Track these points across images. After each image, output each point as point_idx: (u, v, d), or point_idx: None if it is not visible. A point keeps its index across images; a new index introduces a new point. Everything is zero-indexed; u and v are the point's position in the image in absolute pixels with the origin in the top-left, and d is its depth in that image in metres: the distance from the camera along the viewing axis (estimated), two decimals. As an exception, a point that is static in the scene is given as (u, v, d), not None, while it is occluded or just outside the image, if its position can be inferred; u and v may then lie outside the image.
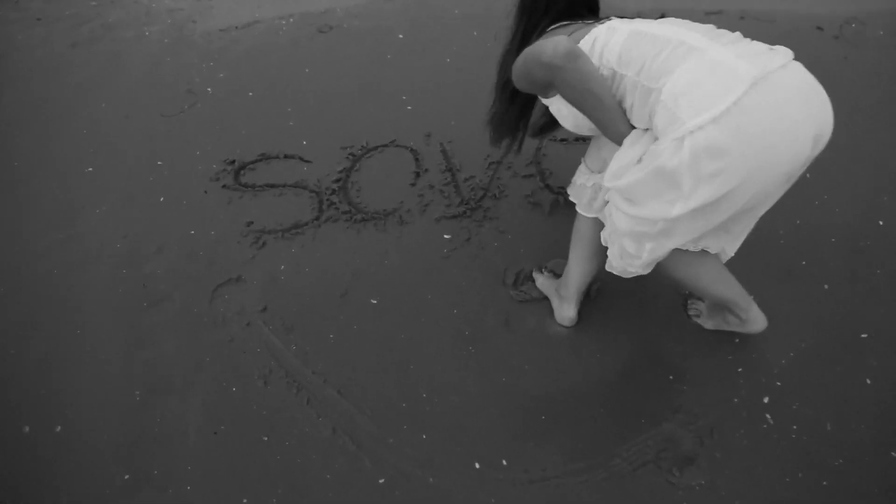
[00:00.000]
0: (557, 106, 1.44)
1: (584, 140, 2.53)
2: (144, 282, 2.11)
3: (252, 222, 2.31)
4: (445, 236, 2.20)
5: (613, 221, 1.38)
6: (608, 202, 1.45)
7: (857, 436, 1.59)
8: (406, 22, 3.48)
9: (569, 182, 2.33)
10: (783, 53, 1.16)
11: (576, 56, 1.20)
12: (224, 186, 2.47)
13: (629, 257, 1.42)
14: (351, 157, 2.57)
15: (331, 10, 3.66)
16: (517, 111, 1.66)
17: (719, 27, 1.28)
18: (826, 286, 1.94)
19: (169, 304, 2.03)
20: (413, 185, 2.42)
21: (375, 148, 2.61)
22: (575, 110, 1.37)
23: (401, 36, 3.36)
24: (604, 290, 1.96)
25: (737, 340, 1.80)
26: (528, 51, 1.30)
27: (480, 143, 2.52)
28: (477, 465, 1.59)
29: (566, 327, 1.87)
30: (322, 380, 1.79)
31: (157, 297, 2.06)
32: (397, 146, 2.62)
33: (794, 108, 1.12)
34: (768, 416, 1.64)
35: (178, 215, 2.36)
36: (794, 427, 1.61)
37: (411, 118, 2.77)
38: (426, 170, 2.49)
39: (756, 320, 1.65)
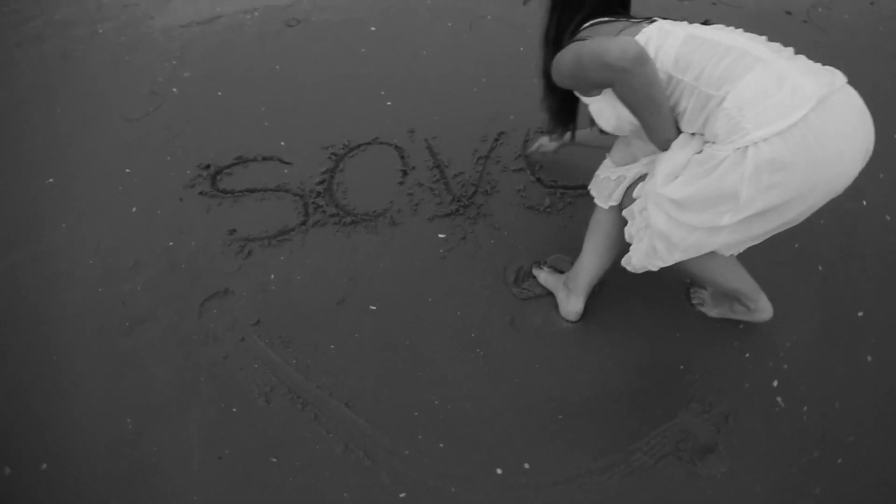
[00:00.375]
0: (599, 106, 1.39)
1: (571, 131, 2.50)
2: (124, 300, 1.97)
3: (235, 230, 2.19)
4: (440, 236, 2.14)
5: (650, 221, 1.35)
6: (637, 198, 1.42)
7: (864, 412, 1.63)
8: (377, 14, 3.37)
9: (561, 174, 2.32)
10: (839, 75, 1.18)
11: (645, 60, 1.16)
12: (201, 193, 2.33)
13: (655, 257, 1.40)
14: (333, 156, 2.47)
15: (297, 3, 3.50)
16: (571, 101, 1.59)
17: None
18: (820, 267, 1.98)
19: (153, 323, 1.90)
20: (401, 183, 2.35)
21: (358, 146, 2.52)
22: (620, 112, 1.33)
23: (373, 28, 3.25)
24: (606, 283, 1.94)
25: (741, 326, 1.81)
26: (586, 50, 1.23)
27: (465, 137, 2.49)
28: (499, 471, 1.55)
29: (572, 322, 1.85)
30: (328, 393, 1.72)
31: (140, 316, 1.93)
32: (381, 143, 2.53)
33: (852, 129, 1.14)
34: (779, 399, 1.66)
35: (154, 226, 2.22)
36: (805, 408, 1.64)
37: (392, 114, 2.68)
38: (413, 167, 2.41)
39: (764, 309, 1.67)
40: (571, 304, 1.82)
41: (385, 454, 1.58)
